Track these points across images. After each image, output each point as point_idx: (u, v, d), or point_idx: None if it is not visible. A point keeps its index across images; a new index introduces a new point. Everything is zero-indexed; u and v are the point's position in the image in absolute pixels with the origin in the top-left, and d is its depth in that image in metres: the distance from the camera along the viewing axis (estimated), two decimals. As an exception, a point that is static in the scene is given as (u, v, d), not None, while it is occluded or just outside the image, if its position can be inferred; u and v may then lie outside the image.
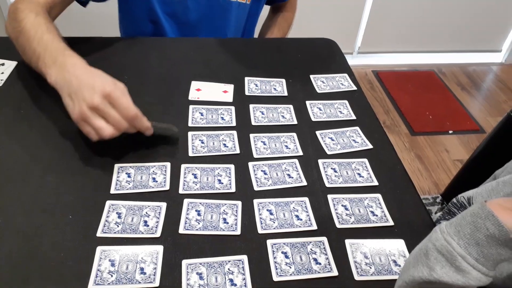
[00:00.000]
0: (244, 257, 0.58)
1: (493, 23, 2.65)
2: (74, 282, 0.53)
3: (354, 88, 0.93)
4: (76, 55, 0.73)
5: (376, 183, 0.71)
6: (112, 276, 0.54)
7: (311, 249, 0.60)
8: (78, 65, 0.71)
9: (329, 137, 0.79)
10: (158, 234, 0.60)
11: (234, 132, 0.78)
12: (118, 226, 0.60)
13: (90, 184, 0.66)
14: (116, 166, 0.69)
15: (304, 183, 0.70)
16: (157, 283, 0.54)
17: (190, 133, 0.77)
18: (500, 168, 0.74)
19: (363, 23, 2.48)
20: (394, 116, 2.24)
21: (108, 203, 0.63)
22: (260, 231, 0.62)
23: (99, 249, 0.57)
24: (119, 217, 0.62)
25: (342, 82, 0.95)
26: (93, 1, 0.99)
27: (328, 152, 0.76)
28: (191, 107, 0.83)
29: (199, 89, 0.88)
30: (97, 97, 0.64)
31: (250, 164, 0.72)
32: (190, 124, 0.79)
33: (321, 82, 0.94)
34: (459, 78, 2.59)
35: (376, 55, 2.63)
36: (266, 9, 1.28)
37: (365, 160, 0.75)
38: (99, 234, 0.59)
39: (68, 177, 0.67)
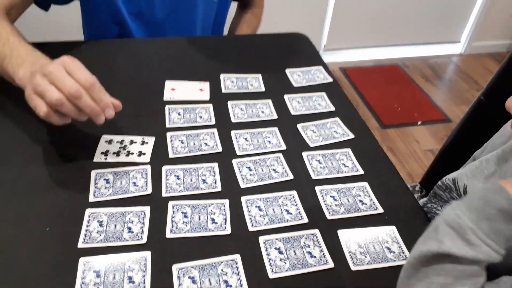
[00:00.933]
0: (237, 257, 0.56)
1: (451, 15, 2.74)
2: (57, 298, 0.50)
3: (330, 80, 0.93)
4: (46, 57, 0.68)
5: (361, 171, 0.71)
6: (98, 288, 0.51)
7: (304, 242, 0.59)
8: (44, 60, 0.66)
9: (310, 130, 0.78)
10: (144, 240, 0.57)
11: (215, 130, 0.76)
12: (100, 235, 0.57)
13: (66, 193, 0.62)
14: (93, 172, 0.65)
15: (291, 176, 0.68)
16: (147, 291, 0.51)
17: (168, 134, 0.74)
18: (479, 149, 0.75)
19: (328, 20, 2.51)
20: (363, 111, 2.28)
21: (88, 211, 0.60)
22: (250, 228, 0.60)
23: (82, 260, 0.53)
24: (101, 225, 0.58)
25: (317, 75, 0.94)
26: (55, 4, 0.94)
27: (311, 145, 0.75)
28: (167, 107, 0.80)
29: (174, 89, 0.85)
30: (53, 65, 0.58)
31: (234, 161, 0.70)
32: (167, 125, 0.76)
33: (297, 76, 0.93)
34: (422, 71, 2.67)
35: (342, 51, 2.66)
36: (234, 7, 1.26)
37: (348, 150, 0.75)
38: (80, 245, 0.55)
39: (42, 186, 0.63)
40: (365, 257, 0.58)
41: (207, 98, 0.84)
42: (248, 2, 1.26)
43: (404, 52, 2.78)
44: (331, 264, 0.56)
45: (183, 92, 0.84)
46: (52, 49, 0.70)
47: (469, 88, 2.55)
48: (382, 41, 2.73)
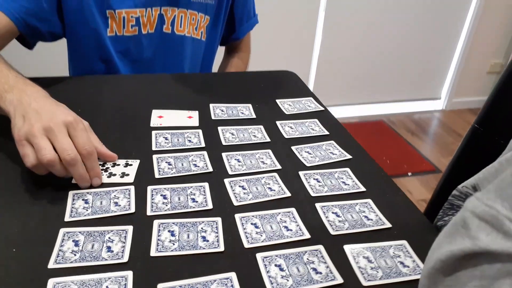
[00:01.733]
0: (232, 275, 0.49)
1: (430, 74, 2.86)
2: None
3: (322, 108, 0.91)
4: (37, 86, 0.66)
5: (363, 189, 0.66)
6: (69, 310, 0.43)
7: (307, 258, 0.52)
8: (40, 93, 0.65)
9: (305, 151, 0.74)
10: (125, 259, 0.50)
11: (204, 153, 0.71)
12: (75, 255, 0.50)
13: (39, 213, 0.56)
14: (71, 193, 0.59)
15: (288, 194, 0.63)
16: (128, 314, 0.43)
17: (154, 156, 0.69)
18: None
19: (312, 78, 2.58)
20: (353, 163, 2.26)
21: (62, 230, 0.53)
22: (246, 245, 0.53)
23: (51, 281, 0.46)
24: (76, 245, 0.51)
25: (308, 104, 0.92)
26: (42, 41, 0.93)
27: (307, 165, 0.71)
28: (153, 132, 0.76)
29: (161, 116, 0.81)
30: (55, 121, 0.58)
31: (226, 180, 0.65)
32: (154, 148, 0.71)
33: (288, 105, 0.91)
34: (407, 125, 2.71)
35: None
36: (222, 50, 1.28)
37: (347, 169, 0.70)
38: (51, 265, 0.48)
39: (12, 206, 0.56)
40: (377, 272, 0.51)
41: (196, 124, 0.80)
42: (235, 47, 1.28)
43: (388, 108, 2.85)
44: (339, 280, 0.49)
45: (171, 119, 0.81)
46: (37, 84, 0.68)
47: (454, 141, 2.58)
48: (366, 99, 2.80)
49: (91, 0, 0.94)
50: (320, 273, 0.50)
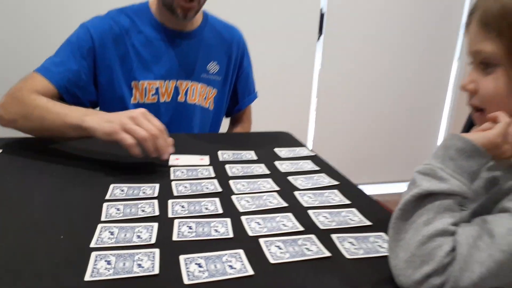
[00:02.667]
0: (241, 251, 0.60)
1: (418, 155, 3.04)
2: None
3: (313, 154, 1.06)
4: (97, 111, 0.97)
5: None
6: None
7: (302, 242, 0.63)
8: (106, 113, 0.90)
9: (300, 180, 0.88)
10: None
11: (215, 181, 0.85)
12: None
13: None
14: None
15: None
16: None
17: (173, 183, 0.83)
18: None
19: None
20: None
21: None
22: (250, 233, 0.65)
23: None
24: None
25: (301, 152, 1.08)
26: (81, 105, 1.12)
27: (301, 188, 0.84)
28: (171, 168, 0.90)
29: (178, 159, 0.96)
30: (136, 113, 0.86)
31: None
32: (171, 177, 0.85)
33: (284, 152, 1.06)
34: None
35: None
36: (227, 122, 1.47)
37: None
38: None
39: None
40: (359, 251, 0.62)
41: (207, 163, 0.95)
42: (238, 118, 1.47)
43: (380, 189, 2.97)
44: (328, 254, 0.60)
45: (186, 160, 0.96)
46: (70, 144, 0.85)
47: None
48: (360, 180, 2.94)
49: (120, 73, 1.16)
50: (312, 250, 0.61)
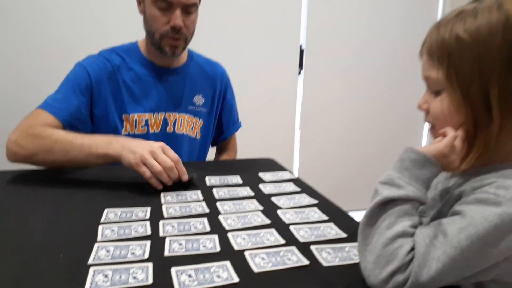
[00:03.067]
0: (227, 262, 0.66)
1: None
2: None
3: (295, 177, 1.13)
4: (119, 135, 1.07)
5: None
6: (108, 279, 0.58)
7: (283, 253, 0.69)
8: (128, 139, 1.02)
9: (283, 200, 0.95)
10: None
11: (203, 203, 0.91)
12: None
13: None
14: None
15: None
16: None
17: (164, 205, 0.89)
18: None
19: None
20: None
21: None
22: (236, 248, 0.71)
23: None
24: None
25: (284, 176, 1.15)
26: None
27: (283, 207, 0.90)
28: (162, 194, 0.96)
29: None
30: (154, 147, 0.97)
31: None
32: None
33: (268, 176, 1.13)
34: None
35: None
36: (213, 151, 1.54)
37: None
38: None
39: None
40: (335, 259, 0.68)
41: (196, 186, 1.02)
42: (224, 147, 1.55)
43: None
44: (306, 262, 0.66)
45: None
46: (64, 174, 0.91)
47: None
48: (348, 207, 3.00)
49: (113, 107, 1.23)
50: (292, 260, 0.67)
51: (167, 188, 0.98)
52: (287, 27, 2.40)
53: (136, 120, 1.26)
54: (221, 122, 1.49)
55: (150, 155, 0.95)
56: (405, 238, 0.56)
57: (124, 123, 1.26)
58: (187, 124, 1.35)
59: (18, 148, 1.06)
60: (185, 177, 0.98)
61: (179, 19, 1.17)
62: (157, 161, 0.94)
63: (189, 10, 1.20)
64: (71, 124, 1.16)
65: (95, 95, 1.22)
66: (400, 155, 0.62)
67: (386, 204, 0.58)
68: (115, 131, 1.23)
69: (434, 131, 0.68)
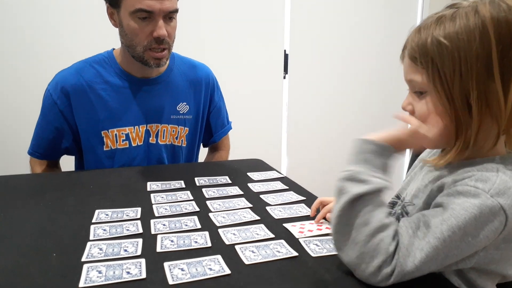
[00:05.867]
0: (219, 256, 0.67)
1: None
2: (67, 283, 0.58)
3: (283, 176, 1.16)
4: None
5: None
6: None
7: (273, 246, 0.71)
8: None
9: (271, 197, 0.97)
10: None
11: (193, 202, 0.93)
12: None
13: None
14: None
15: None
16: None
17: (152, 195, 0.90)
18: None
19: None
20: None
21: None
22: (227, 242, 0.72)
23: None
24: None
25: (272, 175, 1.17)
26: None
27: (272, 204, 0.92)
28: (152, 195, 0.97)
29: (158, 186, 1.04)
30: None
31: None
32: (153, 202, 0.93)
33: (256, 175, 1.15)
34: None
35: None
36: (205, 151, 1.55)
37: (302, 204, 0.92)
38: None
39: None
40: (323, 250, 0.70)
41: (183, 186, 1.03)
42: (215, 147, 1.54)
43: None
44: (295, 253, 0.68)
45: (164, 186, 1.03)
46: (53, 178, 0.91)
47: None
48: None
49: (89, 124, 1.24)
50: (281, 252, 0.69)
51: (156, 190, 1.00)
52: (271, 32, 2.44)
53: (116, 135, 1.25)
54: (210, 126, 1.46)
55: None
56: (384, 231, 0.59)
57: (104, 139, 1.24)
58: (170, 134, 1.33)
59: None
60: None
61: (163, 28, 1.13)
62: None
63: (172, 16, 1.16)
64: (58, 155, 1.31)
65: (68, 116, 1.23)
66: (356, 147, 0.64)
67: (356, 201, 0.60)
68: (93, 149, 1.25)
69: None
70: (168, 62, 1.32)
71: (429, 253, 0.57)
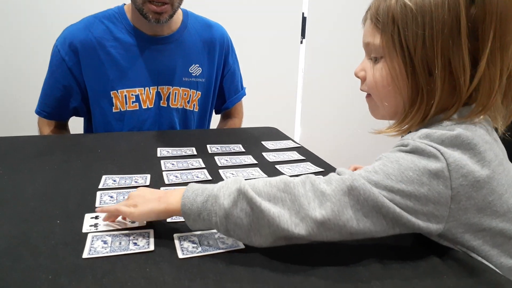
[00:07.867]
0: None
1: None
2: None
3: (299, 145, 1.10)
4: None
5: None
6: (107, 245, 0.56)
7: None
8: None
9: (287, 168, 0.91)
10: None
11: (205, 170, 0.88)
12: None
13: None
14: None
15: None
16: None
17: (162, 161, 0.85)
18: None
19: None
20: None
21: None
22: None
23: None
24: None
25: (288, 144, 1.11)
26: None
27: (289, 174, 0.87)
28: (162, 161, 0.93)
29: (169, 152, 0.99)
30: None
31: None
32: (163, 168, 0.88)
33: (271, 144, 1.10)
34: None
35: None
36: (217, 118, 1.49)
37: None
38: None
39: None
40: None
41: (195, 153, 0.98)
42: (228, 114, 1.48)
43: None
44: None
45: (175, 154, 0.99)
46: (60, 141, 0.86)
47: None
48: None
49: (98, 84, 1.19)
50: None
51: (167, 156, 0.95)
52: (288, -6, 2.32)
53: (126, 96, 1.19)
54: (223, 91, 1.40)
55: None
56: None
57: (114, 100, 1.19)
58: (182, 98, 1.27)
59: None
60: None
61: None
62: None
63: None
64: (66, 115, 1.27)
65: (76, 73, 1.18)
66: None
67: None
68: (102, 110, 1.21)
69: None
70: (181, 20, 1.25)
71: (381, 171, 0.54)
